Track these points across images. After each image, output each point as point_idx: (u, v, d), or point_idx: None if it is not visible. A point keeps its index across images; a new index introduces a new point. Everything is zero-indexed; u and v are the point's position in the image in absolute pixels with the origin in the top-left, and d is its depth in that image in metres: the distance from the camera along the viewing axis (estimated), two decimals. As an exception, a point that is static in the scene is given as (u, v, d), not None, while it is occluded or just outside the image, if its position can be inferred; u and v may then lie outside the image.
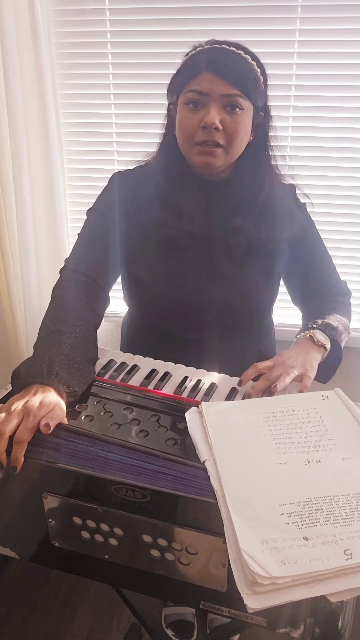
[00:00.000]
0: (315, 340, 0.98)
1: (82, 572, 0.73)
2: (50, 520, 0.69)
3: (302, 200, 1.13)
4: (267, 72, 1.38)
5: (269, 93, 1.00)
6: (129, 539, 0.66)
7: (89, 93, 1.51)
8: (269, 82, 1.00)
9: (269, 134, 1.02)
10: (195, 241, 1.03)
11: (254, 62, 0.95)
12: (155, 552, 0.65)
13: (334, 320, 1.04)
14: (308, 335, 0.99)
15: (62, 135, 1.52)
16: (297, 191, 1.13)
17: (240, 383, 0.89)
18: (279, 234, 1.05)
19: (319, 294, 1.15)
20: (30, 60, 1.37)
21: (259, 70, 0.96)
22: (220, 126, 0.92)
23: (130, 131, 1.53)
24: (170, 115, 1.02)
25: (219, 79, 0.91)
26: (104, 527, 0.66)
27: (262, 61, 1.42)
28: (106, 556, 0.68)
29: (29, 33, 1.34)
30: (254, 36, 1.37)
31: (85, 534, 0.68)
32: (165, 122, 1.04)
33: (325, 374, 1.02)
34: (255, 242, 1.03)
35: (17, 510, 0.73)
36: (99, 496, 0.65)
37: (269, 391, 0.86)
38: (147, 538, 0.65)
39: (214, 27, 1.37)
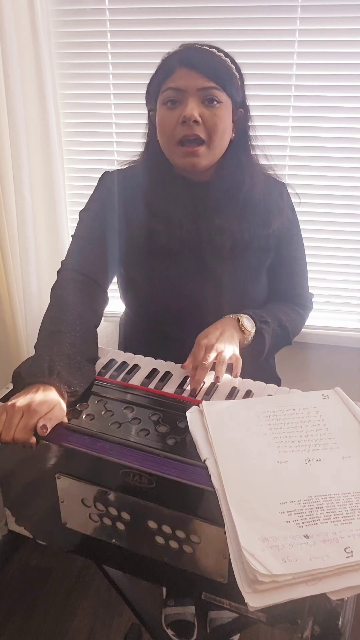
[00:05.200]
0: (240, 323, 0.99)
1: (90, 554, 0.76)
2: (62, 501, 0.72)
3: (293, 200, 1.13)
4: (267, 72, 1.39)
5: (259, 94, 1.02)
6: (136, 524, 0.68)
7: (89, 93, 1.51)
8: (245, 80, 1.00)
9: (249, 132, 1.03)
10: (185, 246, 1.04)
11: (227, 59, 0.96)
12: (159, 539, 0.67)
13: (273, 318, 1.06)
14: (235, 317, 1.00)
15: (62, 135, 1.52)
16: (290, 190, 1.12)
17: (188, 379, 0.91)
18: (265, 231, 1.05)
19: (282, 298, 1.16)
20: (30, 60, 1.37)
21: (233, 67, 0.97)
22: (199, 119, 0.92)
23: (130, 131, 1.53)
24: (151, 122, 1.03)
25: (193, 72, 0.91)
26: (112, 510, 0.69)
27: (262, 61, 1.43)
28: (113, 540, 0.71)
29: (29, 33, 1.34)
30: (254, 36, 1.37)
31: (95, 517, 0.71)
32: (147, 131, 1.06)
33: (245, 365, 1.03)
34: (239, 240, 1.03)
35: (33, 490, 0.76)
36: (108, 479, 0.68)
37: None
38: (152, 524, 0.67)
39: (214, 27, 1.37)
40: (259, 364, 1.06)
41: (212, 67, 0.92)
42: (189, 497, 0.64)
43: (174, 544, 0.67)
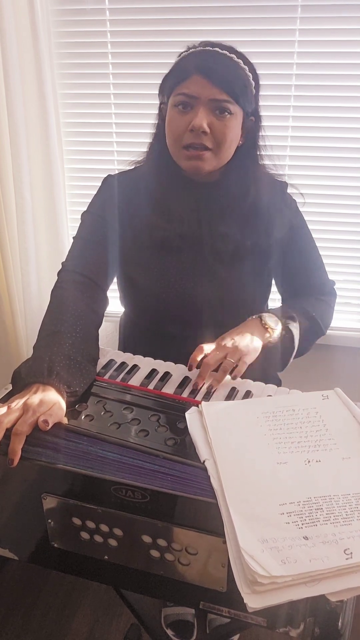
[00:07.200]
0: (263, 322, 0.99)
1: (81, 573, 0.73)
2: (49, 521, 0.69)
3: (296, 199, 1.13)
4: (267, 72, 1.38)
5: (261, 94, 1.00)
6: (129, 540, 0.66)
7: (89, 93, 1.51)
8: (261, 84, 1.00)
9: (259, 139, 1.03)
10: (186, 243, 1.04)
11: (245, 67, 0.95)
12: (155, 553, 0.65)
13: (299, 311, 1.05)
14: (257, 317, 1.00)
15: (62, 135, 1.52)
16: (290, 190, 1.12)
17: (190, 368, 0.90)
18: (267, 238, 1.06)
19: (303, 292, 1.16)
20: (30, 60, 1.37)
21: (250, 75, 0.96)
22: (207, 130, 0.92)
23: (130, 131, 1.53)
24: (162, 115, 1.03)
25: (208, 82, 0.91)
26: (104, 527, 0.66)
27: (262, 61, 1.42)
28: (106, 557, 0.68)
29: (29, 33, 1.34)
30: (254, 36, 1.37)
31: (85, 535, 0.68)
32: (157, 122, 1.05)
33: (278, 363, 1.04)
34: (241, 247, 1.04)
35: (16, 511, 0.73)
36: (98, 497, 0.65)
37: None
38: (146, 538, 0.65)
39: (214, 27, 1.37)
40: (272, 362, 1.04)
41: (228, 79, 0.92)
42: (184, 509, 0.62)
43: (170, 557, 0.64)
